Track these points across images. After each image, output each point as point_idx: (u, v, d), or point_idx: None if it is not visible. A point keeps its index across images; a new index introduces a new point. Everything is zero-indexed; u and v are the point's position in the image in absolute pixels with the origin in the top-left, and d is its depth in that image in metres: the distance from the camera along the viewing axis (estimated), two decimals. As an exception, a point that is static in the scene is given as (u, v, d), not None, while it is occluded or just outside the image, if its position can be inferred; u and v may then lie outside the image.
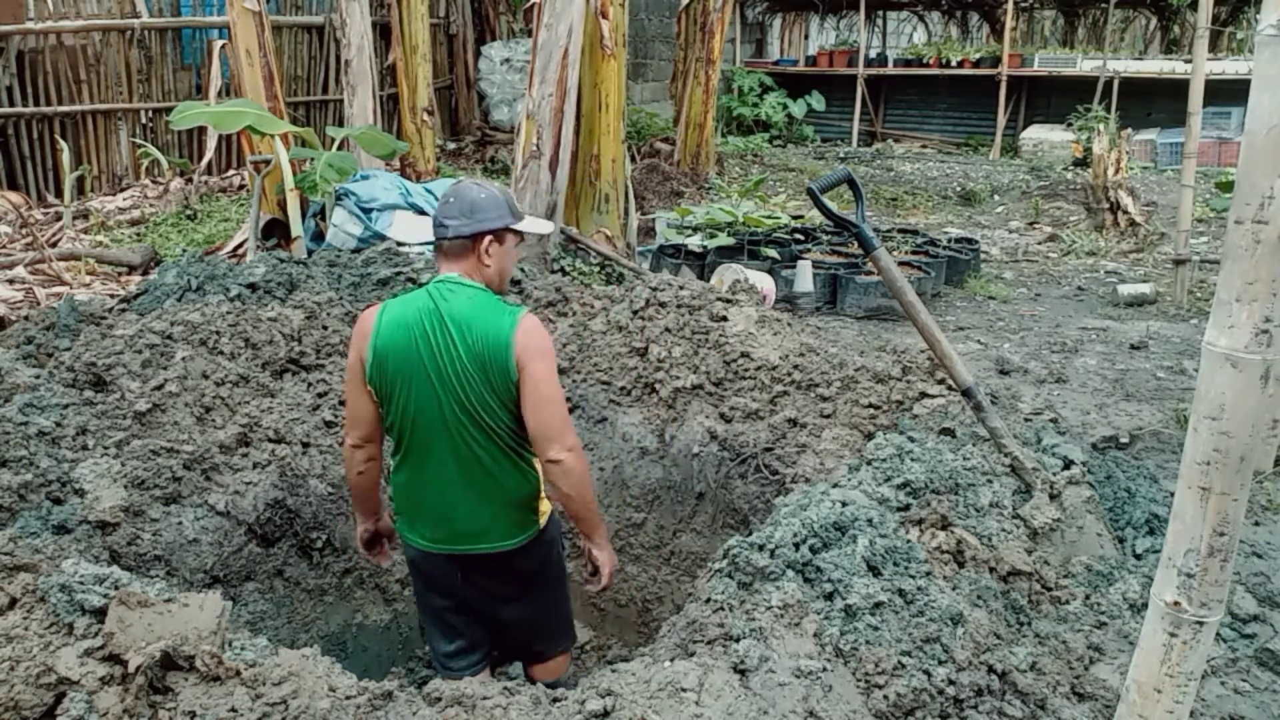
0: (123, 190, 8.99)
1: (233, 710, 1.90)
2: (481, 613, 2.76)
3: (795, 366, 4.10)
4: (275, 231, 7.21)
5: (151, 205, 8.45)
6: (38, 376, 3.55)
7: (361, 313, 2.65)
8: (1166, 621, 1.78)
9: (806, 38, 20.08)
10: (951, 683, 2.18)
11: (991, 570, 2.66)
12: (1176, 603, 1.75)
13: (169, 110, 7.89)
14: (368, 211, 6.81)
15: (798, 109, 16.98)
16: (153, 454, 3.20)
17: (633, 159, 11.57)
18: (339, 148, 7.54)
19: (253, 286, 4.60)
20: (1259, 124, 1.53)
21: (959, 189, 12.51)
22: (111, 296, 5.55)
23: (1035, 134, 14.99)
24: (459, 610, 2.75)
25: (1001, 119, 15.43)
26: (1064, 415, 4.51)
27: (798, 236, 8.75)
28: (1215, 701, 2.38)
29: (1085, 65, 15.18)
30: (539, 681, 2.65)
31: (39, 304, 5.89)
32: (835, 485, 2.83)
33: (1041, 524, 2.83)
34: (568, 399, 3.71)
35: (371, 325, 2.54)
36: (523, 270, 5.11)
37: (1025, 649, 2.42)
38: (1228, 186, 8.82)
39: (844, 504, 2.57)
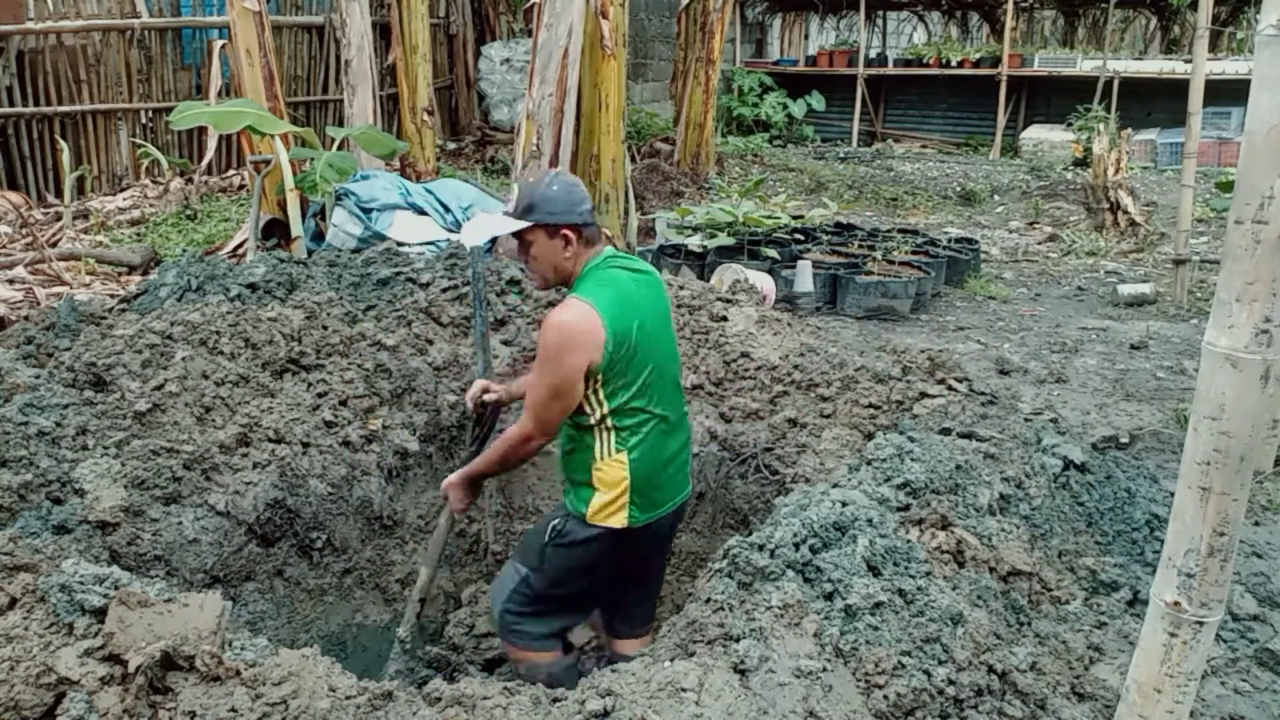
0: (123, 190, 8.99)
1: (233, 710, 1.90)
2: (653, 575, 3.03)
3: (795, 366, 4.10)
4: (275, 231, 7.21)
5: (151, 205, 8.45)
6: (38, 376, 3.55)
7: (566, 322, 2.59)
8: (1166, 621, 1.78)
9: (806, 38, 20.08)
10: (951, 683, 2.18)
11: (991, 570, 2.66)
12: (1176, 603, 1.75)
13: (169, 110, 7.89)
14: (368, 211, 6.81)
15: (798, 109, 16.98)
16: (153, 454, 3.20)
17: (633, 159, 11.57)
18: (339, 148, 7.54)
19: (253, 286, 4.60)
20: (1259, 124, 1.53)
21: (959, 189, 12.51)
22: (111, 296, 5.54)
23: (1035, 134, 14.99)
24: (638, 578, 2.93)
25: (1001, 119, 15.43)
26: (1064, 415, 4.52)
27: (798, 236, 8.75)
28: (1215, 701, 2.38)
29: (1085, 65, 15.18)
30: (631, 656, 2.64)
31: (39, 304, 5.89)
32: (835, 485, 2.83)
33: None
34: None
35: (597, 323, 2.56)
36: (522, 270, 5.11)
37: (1025, 649, 2.42)
38: (1228, 186, 8.82)
39: (844, 504, 2.57)
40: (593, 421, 2.70)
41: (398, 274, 4.93)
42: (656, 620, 3.17)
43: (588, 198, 2.76)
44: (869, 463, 3.02)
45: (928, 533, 2.69)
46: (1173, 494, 1.80)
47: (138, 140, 9.24)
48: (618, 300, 2.64)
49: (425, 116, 9.51)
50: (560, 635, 2.94)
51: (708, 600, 2.32)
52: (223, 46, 8.60)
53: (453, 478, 2.97)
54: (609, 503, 2.70)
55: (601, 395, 2.66)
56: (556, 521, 2.80)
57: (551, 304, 4.81)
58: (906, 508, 2.80)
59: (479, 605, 3.74)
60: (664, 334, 2.82)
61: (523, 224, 2.64)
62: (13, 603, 2.12)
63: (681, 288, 4.61)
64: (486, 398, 3.12)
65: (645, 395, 2.70)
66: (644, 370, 2.68)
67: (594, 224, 2.74)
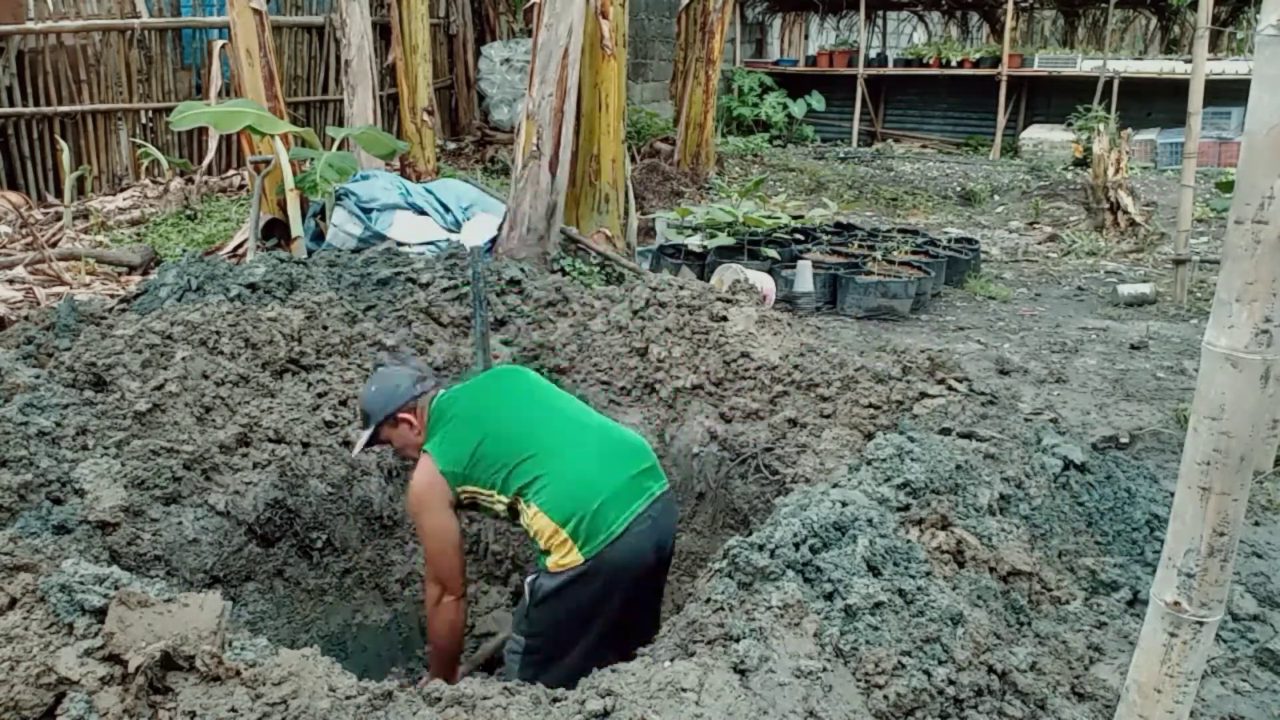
0: (123, 190, 8.98)
1: (233, 710, 1.90)
2: (654, 592, 3.02)
3: (795, 366, 4.10)
4: (275, 231, 7.21)
5: (151, 205, 8.45)
6: (38, 376, 3.55)
7: (412, 492, 2.89)
8: (1166, 621, 1.78)
9: (806, 38, 20.08)
10: (951, 683, 2.18)
11: (991, 570, 2.66)
12: (1176, 603, 1.75)
13: (169, 110, 7.89)
14: (368, 211, 6.81)
15: (798, 109, 16.97)
16: (153, 454, 3.20)
17: (633, 159, 11.57)
18: (339, 148, 7.54)
19: (253, 286, 4.60)
20: (1259, 124, 1.53)
21: (959, 189, 12.51)
22: (111, 296, 5.55)
23: (1035, 134, 14.98)
24: (640, 599, 2.92)
25: (1001, 119, 15.43)
26: (1064, 415, 4.51)
27: (798, 236, 8.75)
28: (1215, 701, 2.38)
29: (1085, 65, 15.17)
30: None
31: (39, 304, 5.89)
32: (835, 485, 2.83)
33: None
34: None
35: (433, 474, 2.82)
36: (523, 270, 5.11)
37: (1025, 649, 2.42)
38: (1228, 186, 8.82)
39: (844, 504, 2.57)
40: (505, 509, 2.81)
41: (398, 274, 4.93)
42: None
43: (408, 374, 3.03)
44: (869, 463, 3.02)
45: (928, 533, 2.69)
46: (1173, 494, 1.80)
47: (138, 140, 9.24)
48: (446, 432, 2.87)
49: (425, 116, 9.51)
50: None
51: (708, 600, 2.32)
52: (223, 46, 8.60)
53: (425, 677, 2.95)
54: (557, 548, 2.70)
55: (494, 494, 2.80)
56: (530, 579, 2.82)
57: (551, 304, 4.81)
58: (906, 508, 2.80)
59: (478, 605, 3.75)
60: (525, 399, 2.97)
61: (368, 432, 2.98)
62: (13, 603, 2.12)
63: (681, 288, 4.61)
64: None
65: (522, 463, 2.77)
66: (503, 450, 2.80)
67: (420, 392, 2.99)
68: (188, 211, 8.33)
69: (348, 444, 3.69)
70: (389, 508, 3.75)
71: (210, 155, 9.25)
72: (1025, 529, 2.87)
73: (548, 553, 2.71)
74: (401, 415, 2.95)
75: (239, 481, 3.33)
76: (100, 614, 2.05)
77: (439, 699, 2.03)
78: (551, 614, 2.74)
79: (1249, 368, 1.59)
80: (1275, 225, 1.53)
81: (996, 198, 12.22)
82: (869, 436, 3.55)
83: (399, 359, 4.08)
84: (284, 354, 3.96)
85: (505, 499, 2.78)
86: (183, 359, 3.66)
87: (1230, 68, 13.45)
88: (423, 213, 7.00)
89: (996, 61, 15.56)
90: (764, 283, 6.79)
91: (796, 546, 2.38)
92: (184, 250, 7.24)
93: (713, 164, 12.22)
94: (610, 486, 2.71)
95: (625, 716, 1.92)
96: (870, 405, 3.77)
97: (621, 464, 2.79)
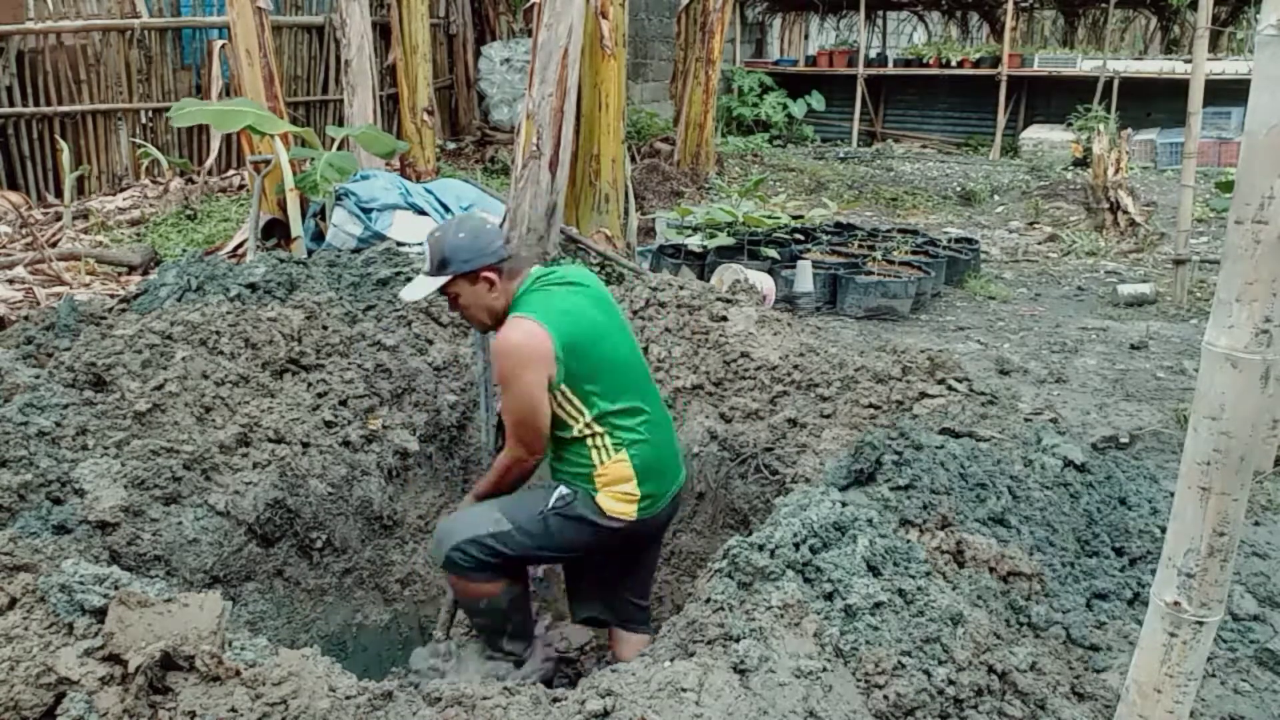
0: (123, 190, 8.98)
1: (233, 710, 1.90)
2: (647, 567, 3.08)
3: (795, 366, 4.10)
4: (275, 231, 7.21)
5: (151, 205, 8.45)
6: (38, 376, 3.55)
7: (513, 343, 2.66)
8: (1166, 621, 1.78)
9: (806, 38, 20.07)
10: (951, 683, 2.18)
11: (991, 570, 2.66)
12: (1176, 603, 1.75)
13: (169, 110, 7.89)
14: (368, 211, 6.81)
15: (798, 109, 16.97)
16: (153, 454, 3.20)
17: (633, 159, 11.57)
18: (339, 148, 7.54)
19: (253, 286, 4.60)
20: (1259, 124, 1.53)
21: (959, 189, 12.50)
22: (111, 296, 5.54)
23: (1035, 134, 14.98)
24: (633, 570, 2.98)
25: (1001, 119, 15.43)
26: (1064, 415, 4.51)
27: (798, 236, 8.75)
28: (1215, 701, 2.38)
29: (1085, 65, 15.17)
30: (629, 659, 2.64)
31: (39, 304, 5.89)
32: (834, 484, 2.83)
33: None
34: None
35: (543, 336, 2.63)
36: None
37: (1025, 649, 2.41)
38: (1228, 186, 8.82)
39: (844, 504, 2.57)
40: (578, 433, 2.73)
41: (398, 274, 4.93)
42: (656, 620, 3.17)
43: (498, 234, 2.84)
44: (875, 462, 3.01)
45: (928, 533, 2.69)
46: (1173, 494, 1.80)
47: (138, 140, 9.24)
48: (560, 311, 2.71)
49: (425, 116, 9.51)
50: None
51: (708, 600, 2.32)
52: (223, 46, 8.60)
53: (462, 504, 3.03)
54: (612, 493, 2.74)
55: (579, 404, 2.71)
56: (564, 490, 2.77)
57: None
58: (904, 509, 2.79)
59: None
60: (621, 335, 2.88)
61: (442, 279, 2.74)
62: (13, 603, 2.12)
63: (681, 288, 4.61)
64: None
65: (622, 395, 2.75)
66: (611, 372, 2.74)
67: (511, 256, 2.82)
68: (188, 211, 8.33)
69: (348, 443, 3.69)
70: (389, 508, 3.75)
71: (213, 156, 9.25)
72: (1025, 529, 2.87)
73: (594, 490, 2.74)
74: (486, 273, 2.73)
75: (239, 481, 3.32)
76: (100, 614, 2.05)
77: (439, 699, 2.03)
78: (564, 531, 2.77)
79: (1249, 368, 1.59)
80: (1275, 225, 1.53)
81: (996, 198, 12.22)
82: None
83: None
84: (284, 354, 3.96)
85: (593, 428, 2.71)
86: (183, 359, 3.66)
87: (1230, 68, 13.45)
88: (423, 213, 7.00)
89: (996, 61, 15.56)
90: (764, 283, 6.79)
91: (796, 546, 2.38)
92: (184, 250, 7.24)
93: (713, 164, 12.22)
94: (669, 458, 2.89)
95: (625, 716, 1.92)
96: (870, 405, 3.77)
97: (675, 440, 2.99)
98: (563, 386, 2.68)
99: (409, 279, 4.88)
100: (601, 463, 2.73)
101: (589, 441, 2.74)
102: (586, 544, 2.82)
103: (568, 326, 2.68)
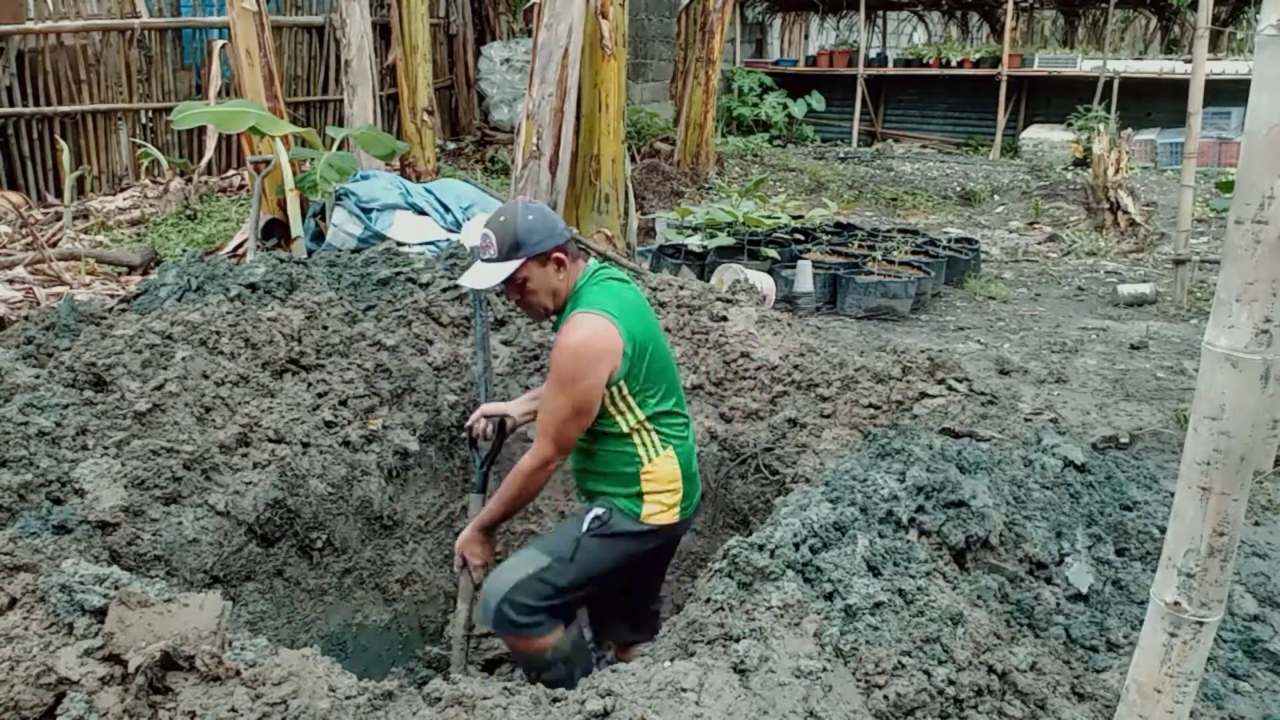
0: (123, 190, 8.98)
1: (233, 710, 1.90)
2: (661, 575, 3.07)
3: (795, 366, 4.10)
4: (275, 231, 7.21)
5: (151, 205, 8.45)
6: (38, 376, 3.55)
7: (586, 340, 2.58)
8: (1166, 621, 1.78)
9: (806, 38, 20.08)
10: (951, 683, 2.18)
11: (991, 570, 2.66)
12: (1176, 603, 1.75)
13: (169, 110, 7.89)
14: (368, 211, 6.81)
15: (798, 109, 16.97)
16: (153, 454, 3.20)
17: (633, 159, 11.57)
18: (339, 148, 7.54)
19: (253, 286, 4.60)
20: (1259, 124, 1.53)
21: (959, 189, 12.50)
22: (111, 296, 5.54)
23: (1035, 134, 14.99)
24: (649, 580, 2.99)
25: (1001, 119, 15.43)
26: (1064, 415, 4.51)
27: (798, 236, 8.75)
28: (1215, 701, 2.38)
29: (1085, 65, 15.18)
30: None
31: (39, 304, 5.89)
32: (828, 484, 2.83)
33: None
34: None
35: (614, 333, 2.58)
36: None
37: (1025, 649, 2.41)
38: (1228, 186, 8.82)
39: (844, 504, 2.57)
40: (626, 428, 2.69)
41: (398, 274, 4.93)
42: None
43: (559, 215, 2.80)
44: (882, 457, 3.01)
45: (927, 533, 2.68)
46: (1173, 494, 1.80)
47: (138, 140, 9.24)
48: (626, 308, 2.65)
49: (425, 116, 9.51)
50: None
51: (708, 600, 2.32)
52: (223, 46, 8.60)
53: (466, 534, 2.86)
54: (658, 499, 2.73)
55: (632, 402, 2.69)
56: (599, 511, 2.72)
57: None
58: (902, 508, 2.79)
59: (479, 605, 3.74)
60: (663, 337, 2.89)
61: (515, 262, 2.60)
62: (13, 603, 2.12)
63: (681, 288, 4.61)
64: (484, 420, 3.06)
65: (669, 396, 2.76)
66: (662, 373, 2.73)
67: (570, 238, 2.74)
68: (188, 211, 8.33)
69: (348, 443, 3.69)
70: (389, 508, 3.75)
71: (209, 155, 9.25)
72: (1026, 529, 2.87)
73: (639, 499, 2.73)
74: (556, 254, 2.62)
75: (239, 481, 3.32)
76: (100, 614, 2.05)
77: (439, 699, 2.03)
78: (606, 552, 2.72)
79: (1249, 368, 1.59)
80: (1275, 225, 1.53)
81: (996, 198, 12.22)
82: (869, 437, 3.54)
83: None
84: (284, 354, 3.96)
85: (642, 425, 2.69)
86: (183, 359, 3.66)
87: (1230, 68, 13.45)
88: (423, 213, 7.00)
89: (996, 61, 15.56)
90: (764, 283, 6.79)
91: (796, 546, 2.38)
92: (184, 250, 7.23)
93: (713, 164, 12.22)
94: (696, 464, 2.92)
95: (625, 716, 1.92)
96: (870, 405, 3.77)
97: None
98: (621, 383, 2.63)
99: (409, 279, 4.87)
100: (650, 460, 2.70)
101: (636, 439, 2.70)
102: (628, 559, 2.77)
103: (635, 323, 2.64)
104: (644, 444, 2.71)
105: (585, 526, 2.71)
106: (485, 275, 2.65)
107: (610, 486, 2.75)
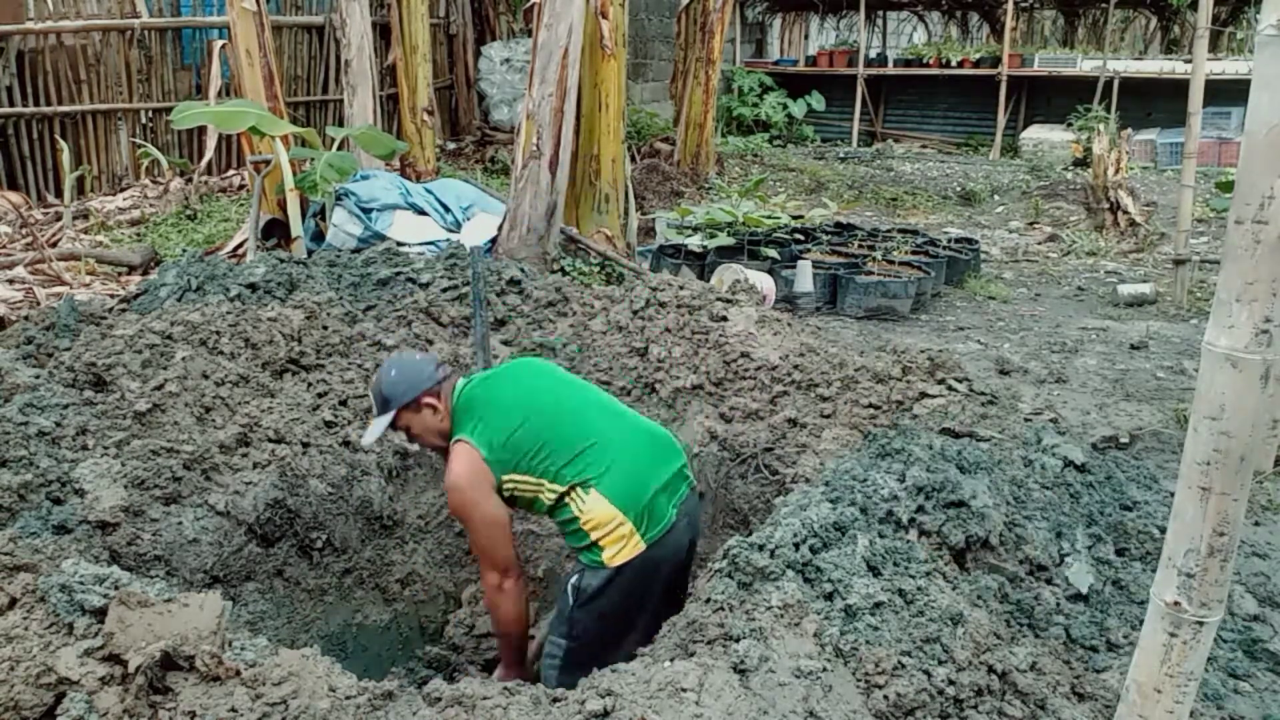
0: (123, 190, 8.98)
1: (233, 710, 1.90)
2: (683, 589, 2.96)
3: (795, 366, 4.10)
4: (275, 231, 7.21)
5: (151, 205, 8.45)
6: (38, 376, 3.55)
7: (459, 476, 2.76)
8: (1166, 621, 1.78)
9: (806, 38, 20.07)
10: (951, 683, 2.18)
11: (992, 570, 2.66)
12: (1176, 603, 1.75)
13: (169, 110, 7.89)
14: (368, 211, 6.81)
15: (798, 109, 16.97)
16: (153, 454, 3.20)
17: (633, 159, 11.57)
18: (339, 148, 7.54)
19: (253, 286, 4.60)
20: (1259, 124, 1.53)
21: (959, 189, 12.50)
22: (111, 296, 5.54)
23: (1035, 134, 14.98)
24: (672, 597, 2.89)
25: (1001, 119, 15.43)
26: (1064, 415, 4.51)
27: (798, 236, 8.75)
28: (1215, 701, 2.38)
29: (1085, 65, 15.17)
30: None
31: (39, 304, 5.89)
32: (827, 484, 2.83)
33: None
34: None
35: (476, 459, 2.74)
36: (522, 270, 5.11)
37: (1025, 649, 2.41)
38: (1228, 186, 8.82)
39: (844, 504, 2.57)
40: (552, 499, 2.76)
41: (398, 274, 4.93)
42: None
43: (429, 359, 2.97)
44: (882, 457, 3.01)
45: (927, 532, 2.68)
46: (1173, 494, 1.80)
47: (138, 140, 9.23)
48: (484, 419, 2.79)
49: (425, 116, 9.51)
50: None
51: (708, 600, 2.32)
52: (223, 46, 8.60)
53: (501, 674, 2.94)
54: (615, 540, 2.71)
55: (535, 479, 2.76)
56: (574, 580, 2.80)
57: (551, 304, 4.81)
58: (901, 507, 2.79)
59: (479, 605, 3.74)
60: (562, 386, 2.97)
61: (388, 416, 2.86)
62: (13, 603, 2.12)
63: (681, 288, 4.61)
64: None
65: (568, 444, 2.76)
66: (552, 431, 2.77)
67: (444, 376, 2.91)
68: (188, 211, 8.33)
69: (348, 443, 3.69)
70: (389, 508, 3.75)
71: (209, 155, 9.24)
72: (1026, 529, 2.87)
73: (597, 548, 2.71)
74: (426, 400, 2.85)
75: (239, 481, 3.33)
76: (100, 614, 2.05)
77: (439, 699, 2.03)
78: (596, 612, 2.76)
79: (1249, 368, 1.59)
80: (1275, 225, 1.53)
81: (996, 198, 12.22)
82: (869, 437, 3.55)
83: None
84: (284, 354, 3.96)
85: (558, 489, 2.73)
86: (183, 359, 3.66)
87: (1230, 68, 13.45)
88: (423, 213, 7.00)
89: (996, 61, 15.56)
90: (764, 283, 6.79)
91: (796, 546, 2.38)
92: (184, 250, 7.23)
93: (713, 164, 12.22)
94: (660, 478, 2.80)
95: (625, 716, 1.92)
96: (870, 405, 3.77)
97: (665, 457, 2.87)
98: (511, 475, 2.76)
99: (409, 279, 4.88)
100: (582, 510, 2.72)
101: (565, 500, 2.75)
102: (625, 598, 2.78)
103: (494, 431, 2.77)
104: (572, 500, 2.74)
105: (571, 602, 2.80)
106: (371, 430, 2.94)
107: (573, 544, 2.83)
